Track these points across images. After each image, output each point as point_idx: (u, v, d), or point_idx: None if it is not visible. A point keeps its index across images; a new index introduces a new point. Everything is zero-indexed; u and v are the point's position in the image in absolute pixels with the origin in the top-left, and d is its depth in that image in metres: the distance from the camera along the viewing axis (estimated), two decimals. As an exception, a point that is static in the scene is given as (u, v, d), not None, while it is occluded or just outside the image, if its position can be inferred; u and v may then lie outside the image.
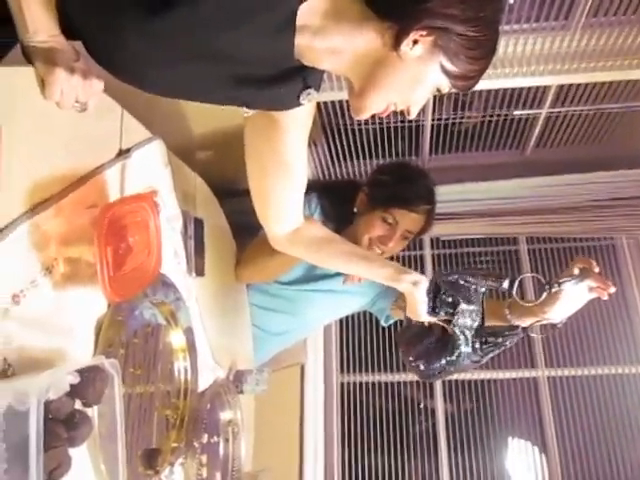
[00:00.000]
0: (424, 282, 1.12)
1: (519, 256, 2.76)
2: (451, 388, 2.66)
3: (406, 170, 1.71)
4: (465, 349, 1.13)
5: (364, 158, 2.53)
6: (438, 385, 2.64)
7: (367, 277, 1.28)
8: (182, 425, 1.16)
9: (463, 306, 1.11)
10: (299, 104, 0.94)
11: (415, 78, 0.85)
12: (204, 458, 1.25)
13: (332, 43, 0.82)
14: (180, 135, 1.93)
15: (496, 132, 2.47)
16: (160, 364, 1.11)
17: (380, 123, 2.28)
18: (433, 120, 2.29)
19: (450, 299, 1.12)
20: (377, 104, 0.88)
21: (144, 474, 1.01)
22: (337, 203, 1.72)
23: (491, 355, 1.16)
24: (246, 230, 1.80)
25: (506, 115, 2.31)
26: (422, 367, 1.19)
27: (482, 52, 0.84)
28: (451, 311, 1.12)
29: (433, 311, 1.13)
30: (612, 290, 1.10)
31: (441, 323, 1.15)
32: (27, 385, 0.62)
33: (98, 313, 0.88)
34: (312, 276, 1.75)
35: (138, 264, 0.88)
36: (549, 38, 1.87)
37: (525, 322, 1.17)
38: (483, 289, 1.12)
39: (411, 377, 2.69)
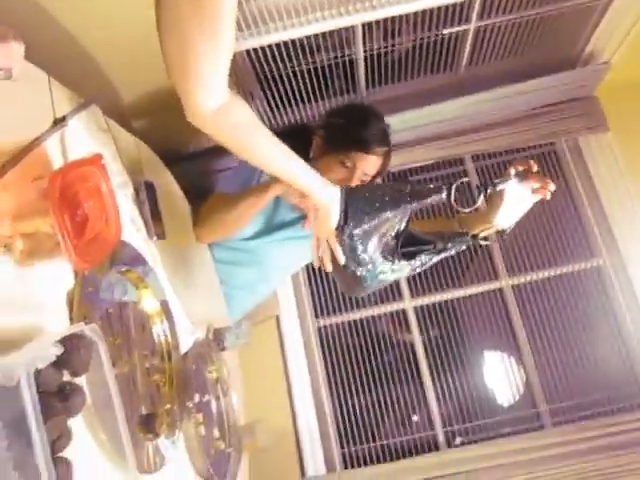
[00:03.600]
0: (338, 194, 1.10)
1: (467, 175, 2.82)
2: (424, 313, 2.75)
3: (360, 112, 1.66)
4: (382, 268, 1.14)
5: (303, 102, 2.50)
6: (411, 314, 2.72)
7: (287, 178, 1.12)
8: (172, 387, 1.16)
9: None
10: None
11: None
12: (200, 417, 1.26)
13: None
14: (114, 101, 1.85)
15: (428, 55, 2.47)
16: (138, 330, 1.10)
17: (313, 62, 2.25)
18: (365, 52, 2.27)
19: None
20: None
21: (145, 439, 1.01)
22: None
23: (438, 258, 1.17)
24: (196, 193, 1.77)
25: (436, 35, 2.31)
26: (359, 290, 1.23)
27: None
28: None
29: (342, 228, 1.10)
30: (552, 188, 1.09)
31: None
32: (11, 360, 0.60)
33: (66, 286, 0.86)
34: (272, 226, 1.74)
35: (98, 230, 0.85)
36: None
37: (474, 231, 1.19)
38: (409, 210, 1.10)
39: (383, 309, 2.76)
